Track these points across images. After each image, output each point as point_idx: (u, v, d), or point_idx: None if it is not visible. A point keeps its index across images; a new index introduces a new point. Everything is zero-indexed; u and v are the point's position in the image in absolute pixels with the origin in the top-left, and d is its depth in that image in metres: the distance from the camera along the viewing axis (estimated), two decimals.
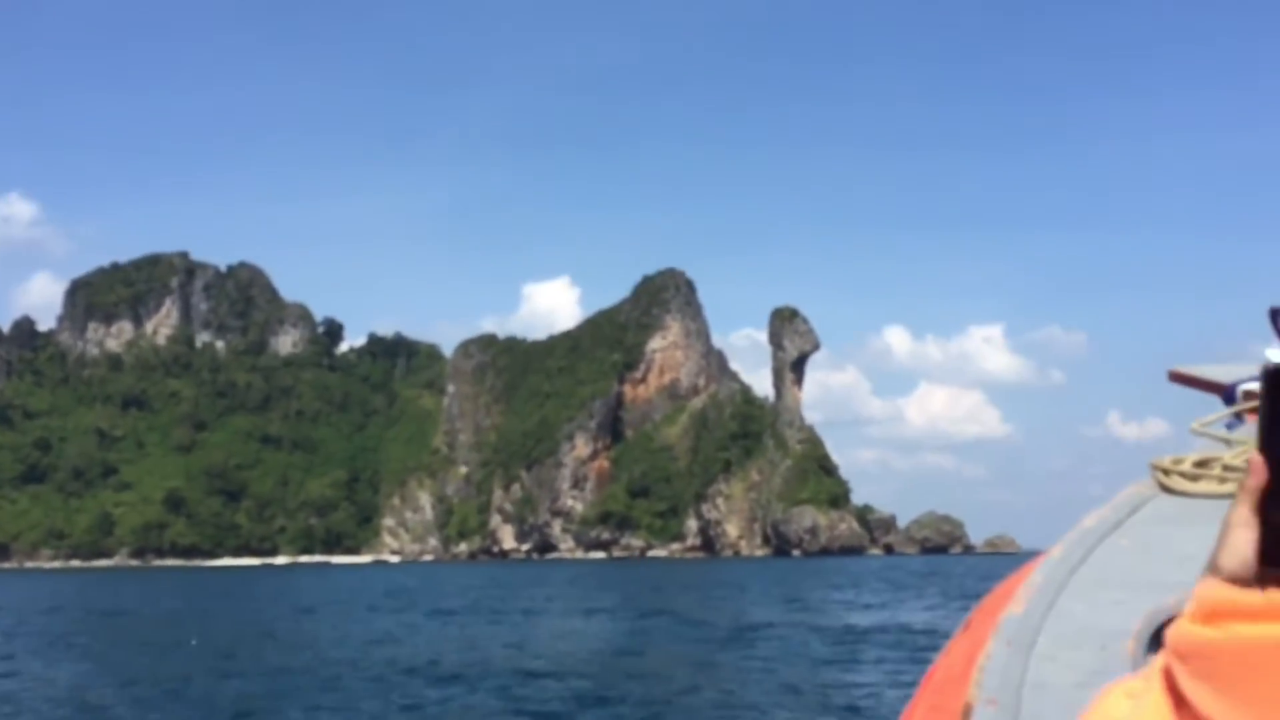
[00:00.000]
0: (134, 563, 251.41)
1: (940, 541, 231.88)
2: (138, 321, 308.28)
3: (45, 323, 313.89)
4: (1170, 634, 0.92)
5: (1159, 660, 0.92)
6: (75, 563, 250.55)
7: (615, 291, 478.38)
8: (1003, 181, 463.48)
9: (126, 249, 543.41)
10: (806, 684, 21.57)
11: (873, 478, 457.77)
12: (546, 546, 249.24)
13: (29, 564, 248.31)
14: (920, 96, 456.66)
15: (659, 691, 21.88)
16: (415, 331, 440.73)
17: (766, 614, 43.34)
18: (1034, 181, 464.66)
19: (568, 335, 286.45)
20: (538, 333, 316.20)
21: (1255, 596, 0.89)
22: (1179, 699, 0.89)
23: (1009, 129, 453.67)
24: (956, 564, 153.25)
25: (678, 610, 48.37)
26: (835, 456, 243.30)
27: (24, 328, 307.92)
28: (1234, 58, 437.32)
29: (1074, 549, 1.15)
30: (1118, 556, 0.99)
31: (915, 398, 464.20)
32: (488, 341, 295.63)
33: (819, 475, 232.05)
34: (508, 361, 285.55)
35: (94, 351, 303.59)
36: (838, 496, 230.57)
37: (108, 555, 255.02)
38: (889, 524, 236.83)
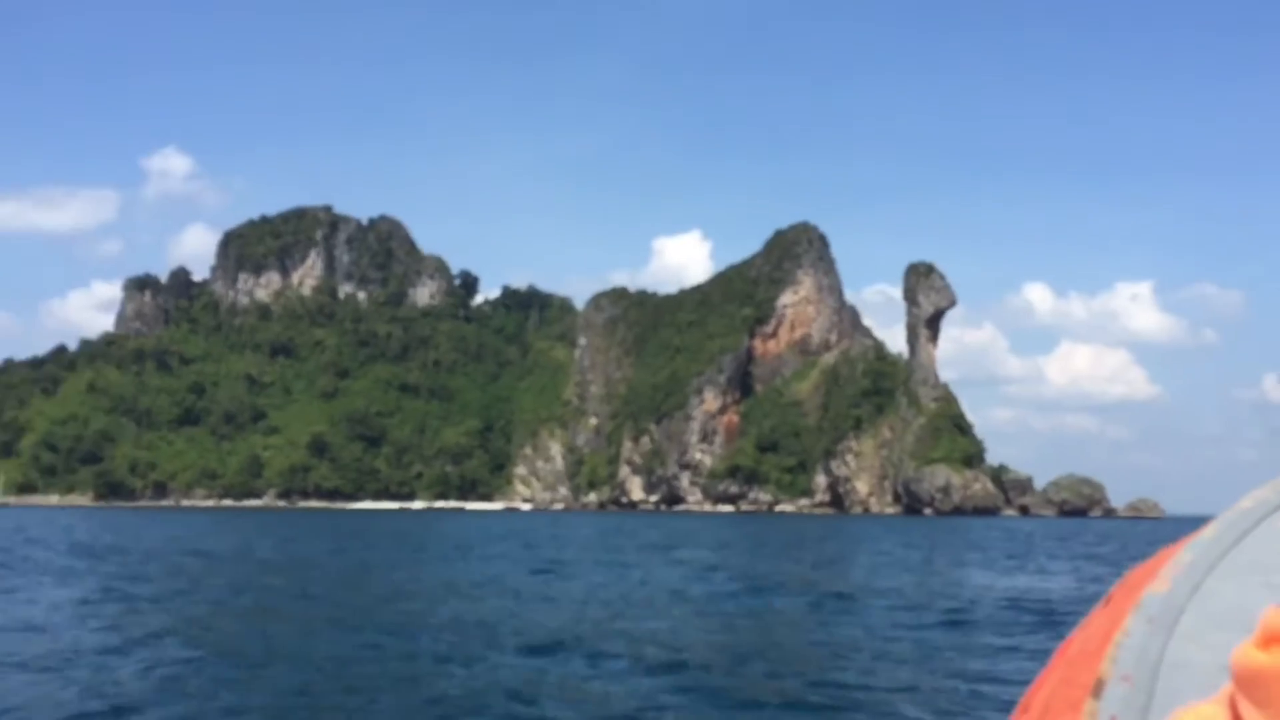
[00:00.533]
0: (281, 503, 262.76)
1: (1079, 504, 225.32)
2: (285, 272, 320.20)
3: (199, 273, 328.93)
4: (1233, 658, 0.88)
5: (1227, 686, 0.88)
6: (227, 502, 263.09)
7: (746, 246, 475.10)
8: (1155, 125, 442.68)
9: (275, 202, 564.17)
10: (932, 653, 21.26)
11: (1010, 438, 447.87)
12: (674, 499, 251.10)
13: (185, 502, 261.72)
14: (1067, 24, 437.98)
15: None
16: (548, 285, 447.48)
17: (892, 579, 42.82)
18: (1190, 126, 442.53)
19: (698, 289, 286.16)
20: (668, 287, 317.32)
21: None
22: None
23: (1164, 64, 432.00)
24: (1096, 526, 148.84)
25: (797, 567, 48.22)
26: (971, 416, 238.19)
27: (180, 277, 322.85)
28: None
29: (1228, 530, 1.00)
30: (1274, 541, 0.91)
31: (1056, 356, 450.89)
32: (619, 295, 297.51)
33: (953, 434, 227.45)
34: (639, 315, 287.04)
35: (244, 301, 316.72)
36: (972, 456, 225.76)
37: (257, 495, 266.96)
38: (1025, 485, 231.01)
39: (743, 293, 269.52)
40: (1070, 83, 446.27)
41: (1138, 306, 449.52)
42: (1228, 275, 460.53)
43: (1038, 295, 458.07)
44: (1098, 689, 0.92)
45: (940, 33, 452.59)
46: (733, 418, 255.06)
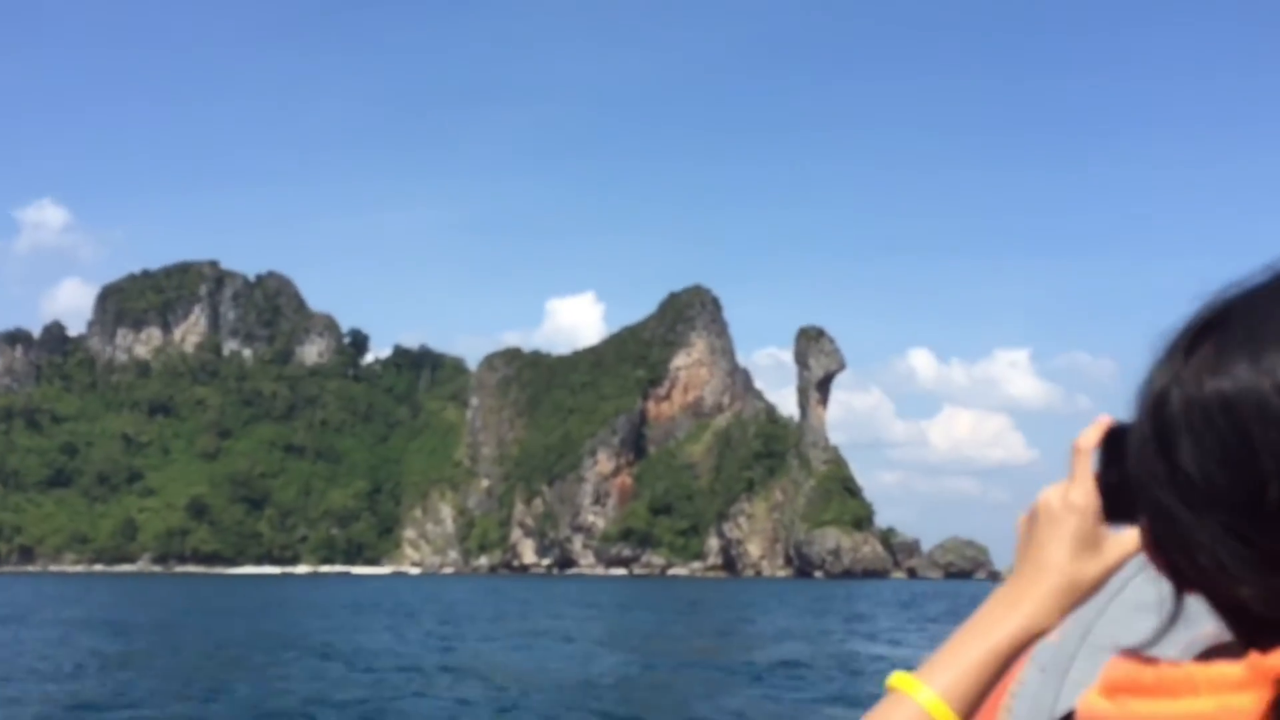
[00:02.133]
0: (156, 568, 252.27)
1: (965, 566, 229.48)
2: (166, 328, 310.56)
3: (75, 328, 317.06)
4: (1078, 706, 0.92)
5: None
6: (99, 567, 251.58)
7: (639, 308, 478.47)
8: (1030, 204, 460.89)
9: (156, 256, 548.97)
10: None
11: (895, 500, 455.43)
12: (567, 562, 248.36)
13: (53, 567, 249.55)
14: (948, 119, 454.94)
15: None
16: (440, 344, 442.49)
17: (789, 648, 42.43)
18: (1061, 205, 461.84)
19: (592, 350, 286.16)
20: (561, 348, 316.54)
21: (1148, 672, 0.87)
22: None
23: (1037, 152, 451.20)
24: (982, 589, 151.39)
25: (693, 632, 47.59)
26: (859, 479, 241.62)
27: (54, 333, 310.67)
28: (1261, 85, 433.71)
29: (1114, 576, 1.06)
30: (1158, 584, 0.93)
31: (939, 421, 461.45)
32: (512, 355, 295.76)
33: (843, 496, 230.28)
34: (532, 375, 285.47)
35: (123, 358, 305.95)
36: (862, 519, 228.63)
37: (130, 560, 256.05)
38: (913, 548, 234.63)
39: (636, 354, 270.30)
40: (946, 172, 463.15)
41: (1015, 373, 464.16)
42: (1098, 344, 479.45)
43: (921, 361, 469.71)
44: None
45: (824, 117, 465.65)
46: (626, 480, 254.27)
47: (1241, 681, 0.81)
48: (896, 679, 1.20)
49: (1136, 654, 0.90)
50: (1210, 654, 0.90)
